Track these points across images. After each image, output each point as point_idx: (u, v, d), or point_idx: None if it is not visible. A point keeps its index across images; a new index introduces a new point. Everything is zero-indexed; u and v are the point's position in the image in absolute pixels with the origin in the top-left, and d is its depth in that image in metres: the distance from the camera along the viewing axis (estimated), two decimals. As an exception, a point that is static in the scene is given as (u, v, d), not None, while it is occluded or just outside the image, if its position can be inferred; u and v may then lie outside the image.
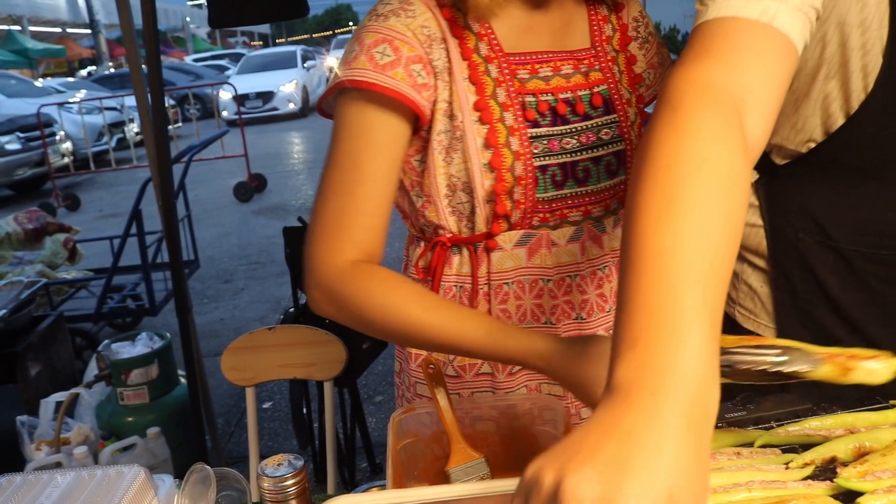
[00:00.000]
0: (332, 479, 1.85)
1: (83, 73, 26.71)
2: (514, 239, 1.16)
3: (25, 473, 1.06)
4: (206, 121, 14.44)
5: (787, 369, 0.87)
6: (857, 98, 1.05)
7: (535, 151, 1.12)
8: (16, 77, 14.28)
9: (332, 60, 20.32)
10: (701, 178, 0.70)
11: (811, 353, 0.89)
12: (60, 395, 2.86)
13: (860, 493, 0.89)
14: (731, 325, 1.34)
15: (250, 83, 16.13)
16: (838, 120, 1.09)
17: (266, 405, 3.92)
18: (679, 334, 0.61)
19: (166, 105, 3.24)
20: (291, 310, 2.84)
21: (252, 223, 8.04)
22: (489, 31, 1.13)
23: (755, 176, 1.24)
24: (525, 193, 1.12)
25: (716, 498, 0.90)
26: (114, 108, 11.70)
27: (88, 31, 28.42)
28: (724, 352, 0.87)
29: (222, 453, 3.28)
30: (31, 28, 26.13)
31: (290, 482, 0.86)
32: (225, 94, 14.99)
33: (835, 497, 0.90)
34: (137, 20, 2.68)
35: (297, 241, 2.75)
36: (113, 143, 10.89)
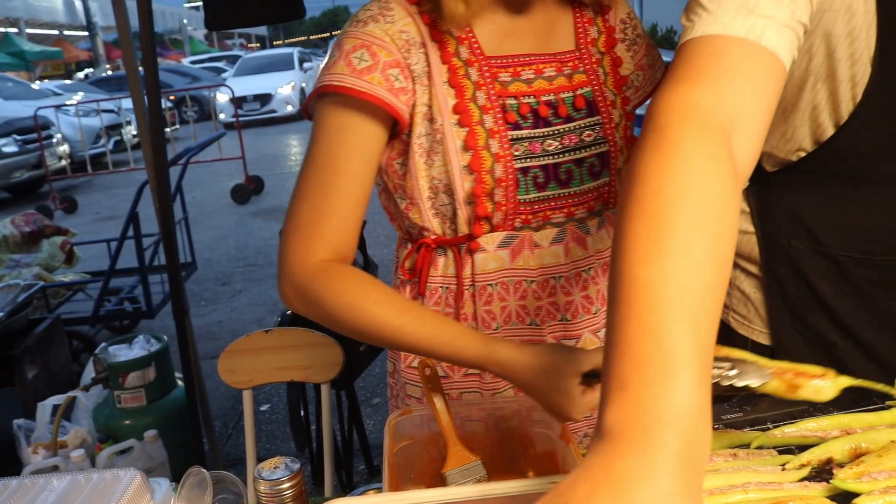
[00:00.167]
0: (330, 481, 1.85)
1: (80, 75, 26.71)
2: (497, 240, 1.17)
3: (21, 477, 1.06)
4: (204, 123, 14.44)
5: (738, 383, 0.88)
6: (846, 108, 1.05)
7: (516, 154, 1.13)
8: (12, 79, 14.25)
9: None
10: (689, 208, 0.68)
11: (762, 367, 0.91)
12: (57, 399, 2.85)
13: (856, 494, 0.89)
14: (725, 331, 1.35)
15: (247, 85, 16.10)
16: (828, 129, 1.09)
17: (264, 407, 3.92)
18: (669, 374, 0.60)
19: (163, 107, 3.24)
20: (289, 312, 2.84)
21: (249, 225, 8.04)
22: (470, 34, 1.15)
23: (746, 183, 1.24)
24: (506, 195, 1.13)
25: (712, 500, 0.90)
26: (111, 111, 11.70)
27: (85, 33, 28.40)
28: None
29: (220, 456, 3.27)
30: (28, 30, 26.10)
31: (286, 485, 0.86)
32: (222, 97, 14.98)
33: (831, 498, 0.91)
34: (134, 22, 2.68)
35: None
36: (110, 146, 10.89)
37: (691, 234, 0.67)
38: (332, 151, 1.09)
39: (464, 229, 1.16)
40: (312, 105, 1.14)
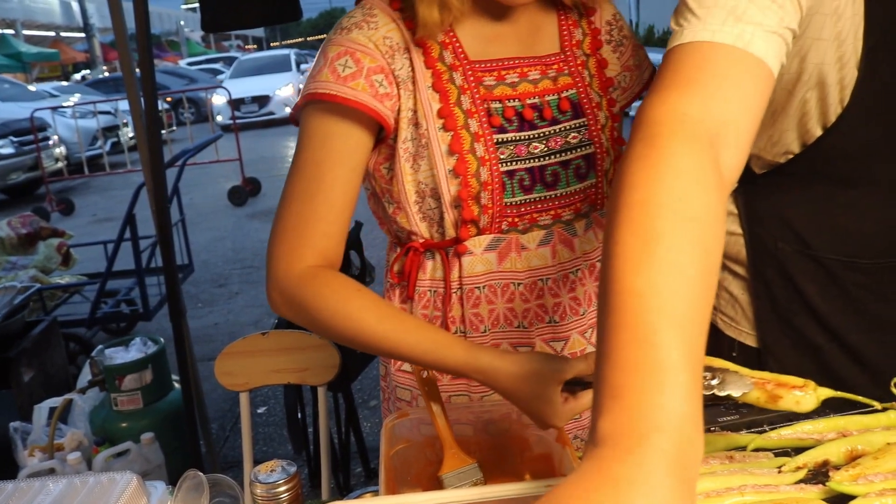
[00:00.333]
0: (327, 484, 1.85)
1: (77, 76, 26.67)
2: (484, 243, 1.17)
3: (17, 481, 1.06)
4: (201, 124, 14.44)
5: (720, 392, 0.90)
6: (834, 111, 1.06)
7: (502, 157, 1.14)
8: (9, 81, 14.24)
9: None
10: (676, 218, 0.70)
11: (744, 377, 0.92)
12: (54, 401, 2.85)
13: (852, 497, 0.89)
14: (712, 333, 1.35)
15: (245, 87, 16.02)
16: (815, 132, 1.09)
17: (261, 410, 3.91)
18: (662, 382, 0.61)
19: (160, 109, 3.24)
20: (285, 314, 2.83)
21: (246, 227, 8.03)
22: (454, 39, 1.16)
23: (733, 188, 1.24)
24: (492, 198, 1.13)
25: (709, 502, 0.91)
26: (108, 112, 11.68)
27: (82, 34, 28.38)
28: None
29: (217, 458, 3.27)
30: (25, 32, 26.07)
31: (282, 488, 0.86)
32: (219, 99, 14.93)
33: (827, 500, 0.91)
34: (131, 24, 2.68)
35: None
36: (107, 148, 10.87)
37: (679, 243, 0.68)
38: (317, 158, 1.10)
39: (451, 233, 1.17)
40: (300, 114, 1.15)
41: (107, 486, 1.02)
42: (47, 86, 17.07)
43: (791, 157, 1.14)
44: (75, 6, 27.86)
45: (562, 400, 1.00)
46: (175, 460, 2.86)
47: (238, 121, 11.70)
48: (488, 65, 1.17)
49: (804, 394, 0.92)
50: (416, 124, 1.13)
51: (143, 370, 2.93)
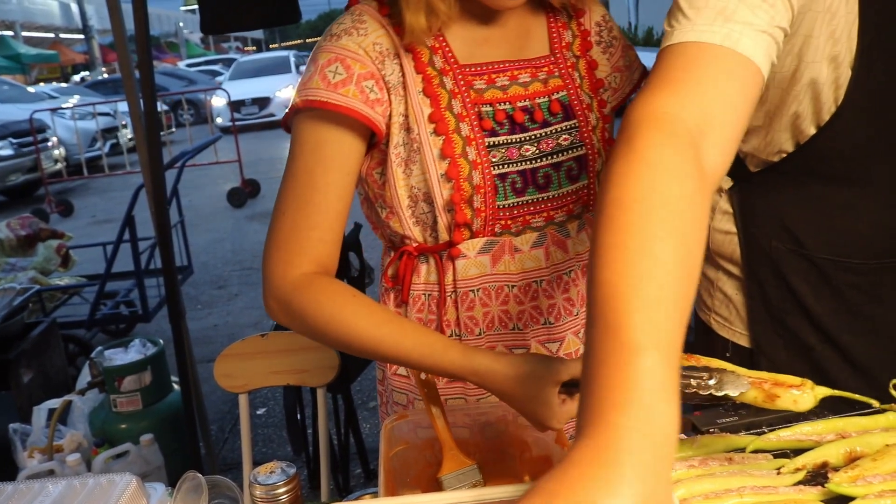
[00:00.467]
0: (326, 485, 1.85)
1: (76, 78, 26.66)
2: (477, 246, 1.18)
3: (17, 482, 1.06)
4: (200, 126, 14.43)
5: (717, 392, 0.90)
6: (828, 110, 1.06)
7: (494, 160, 1.14)
8: (8, 82, 14.24)
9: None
10: (649, 208, 0.71)
11: (741, 377, 0.93)
12: (53, 403, 2.85)
13: (851, 498, 0.89)
14: (706, 333, 1.35)
15: (244, 89, 16.00)
16: (809, 131, 1.09)
17: (260, 411, 3.91)
18: (625, 363, 0.62)
19: (159, 110, 3.24)
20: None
21: (246, 229, 8.03)
22: (443, 43, 1.16)
23: (729, 183, 1.24)
24: (485, 202, 1.14)
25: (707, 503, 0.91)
26: (107, 114, 11.68)
27: (81, 36, 28.37)
28: None
29: (216, 460, 3.27)
30: (24, 33, 26.07)
31: (282, 490, 0.86)
32: (218, 101, 14.93)
33: (826, 502, 0.91)
34: (130, 25, 2.68)
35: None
36: (106, 149, 10.87)
37: (652, 231, 0.69)
38: (309, 165, 1.11)
39: (444, 236, 1.17)
40: (291, 120, 1.15)
41: (106, 487, 1.03)
42: (46, 87, 17.09)
43: (785, 155, 1.14)
44: (74, 8, 27.86)
45: (559, 401, 1.00)
46: (174, 462, 2.86)
47: (238, 122, 11.68)
48: (478, 68, 1.17)
49: (802, 393, 0.93)
50: (408, 129, 1.13)
51: (143, 372, 2.93)
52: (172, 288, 2.77)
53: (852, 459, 0.97)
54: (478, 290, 1.20)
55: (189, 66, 26.07)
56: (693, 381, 0.90)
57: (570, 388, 0.99)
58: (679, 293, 0.67)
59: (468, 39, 1.18)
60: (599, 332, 0.65)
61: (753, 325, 1.26)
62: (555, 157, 1.18)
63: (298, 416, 2.89)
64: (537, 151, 1.17)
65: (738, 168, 1.21)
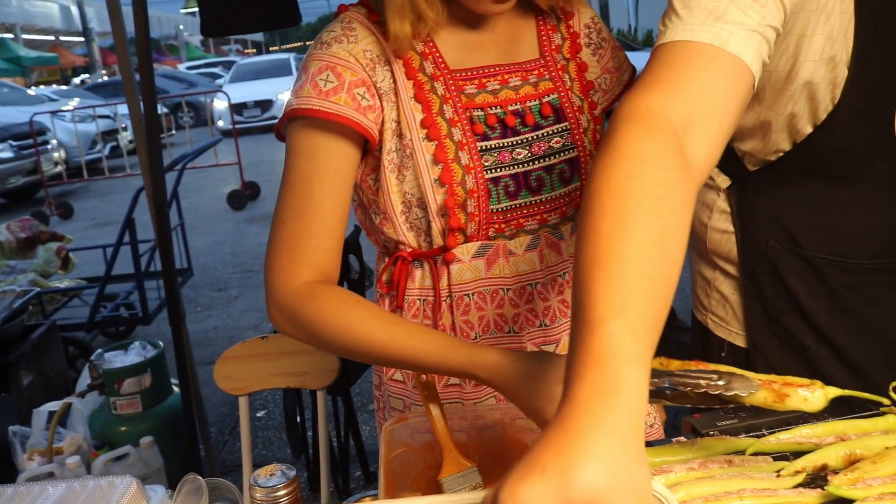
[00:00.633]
0: (326, 488, 1.85)
1: (76, 80, 26.68)
2: (472, 251, 1.18)
3: (17, 485, 1.06)
4: (200, 129, 14.43)
5: (727, 393, 0.90)
6: (825, 109, 1.06)
7: (486, 164, 1.14)
8: (8, 85, 14.26)
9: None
10: (625, 193, 0.73)
11: (750, 379, 0.92)
12: (53, 405, 2.85)
13: (851, 501, 0.89)
14: (703, 334, 1.35)
15: (245, 91, 16.00)
16: (806, 130, 1.10)
17: (260, 414, 3.91)
18: (587, 333, 0.64)
19: (159, 113, 3.24)
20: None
21: (246, 231, 8.03)
22: (433, 49, 1.17)
23: (727, 182, 1.25)
24: (478, 206, 1.14)
25: (707, 506, 0.91)
26: (107, 117, 11.69)
27: (82, 38, 28.39)
28: (667, 374, 0.91)
29: (216, 462, 3.27)
30: (24, 36, 26.10)
31: (282, 492, 0.86)
32: (220, 104, 14.92)
33: (826, 505, 0.91)
34: (130, 28, 2.68)
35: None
36: (106, 152, 10.88)
37: (625, 215, 0.71)
38: (305, 173, 1.11)
39: (438, 241, 1.17)
40: (284, 128, 1.15)
41: (107, 489, 1.03)
42: (46, 90, 17.11)
43: (782, 154, 1.14)
44: (75, 10, 27.90)
45: None
46: (174, 464, 2.86)
47: (241, 125, 11.67)
48: (469, 73, 1.17)
49: (812, 392, 0.92)
50: (400, 135, 1.14)
51: (143, 374, 2.92)
52: (172, 290, 2.77)
53: (852, 462, 0.97)
54: (473, 294, 1.20)
55: (189, 68, 26.11)
56: (703, 382, 0.90)
57: None
58: (652, 271, 0.69)
59: (458, 44, 1.18)
60: (573, 313, 0.68)
61: (750, 324, 1.26)
62: (547, 159, 1.18)
63: (298, 419, 2.89)
64: (529, 155, 1.17)
65: (737, 167, 1.22)
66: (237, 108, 13.03)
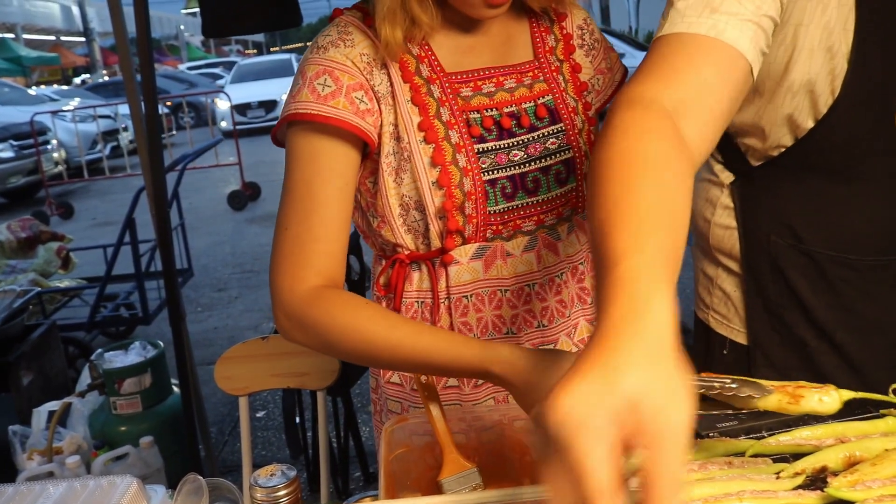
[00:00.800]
0: (325, 488, 1.85)
1: (77, 80, 26.70)
2: (470, 252, 1.18)
3: (17, 484, 1.06)
4: (201, 129, 14.43)
5: (741, 395, 0.92)
6: (825, 102, 1.07)
7: (483, 166, 1.15)
8: (9, 85, 14.26)
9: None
10: (620, 163, 0.77)
11: (763, 384, 0.94)
12: (53, 405, 2.85)
13: (851, 503, 0.89)
14: (705, 331, 1.36)
15: (246, 92, 15.95)
16: (807, 124, 1.10)
17: (260, 414, 3.91)
18: (610, 266, 0.66)
19: (160, 113, 3.24)
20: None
21: (246, 231, 8.04)
22: (429, 52, 1.17)
23: (731, 178, 1.25)
24: (476, 208, 1.14)
25: (707, 507, 0.91)
26: (108, 117, 11.70)
27: (82, 38, 28.43)
28: None
29: (216, 462, 3.27)
30: (25, 36, 26.10)
31: (282, 493, 0.86)
32: (222, 104, 14.88)
33: (825, 506, 0.91)
34: (131, 28, 2.69)
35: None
36: (107, 152, 10.88)
37: (632, 179, 0.75)
38: (306, 178, 1.10)
39: (436, 243, 1.17)
40: (282, 133, 1.15)
41: (107, 489, 1.03)
42: (47, 90, 17.12)
43: (784, 150, 1.14)
44: (76, 10, 27.91)
45: None
46: (174, 464, 2.86)
47: (245, 126, 11.64)
48: (464, 76, 1.18)
49: (827, 394, 0.93)
50: (398, 138, 1.14)
51: (143, 374, 2.93)
52: (172, 290, 2.77)
53: (852, 464, 0.97)
54: (471, 296, 1.20)
55: (190, 68, 26.11)
56: (717, 384, 0.93)
57: None
58: (664, 221, 0.72)
59: (453, 48, 1.19)
60: (595, 265, 0.70)
61: (751, 320, 1.27)
62: (543, 161, 1.19)
63: (297, 420, 2.89)
64: (525, 156, 1.18)
65: (740, 163, 1.22)
66: (241, 109, 13.01)
